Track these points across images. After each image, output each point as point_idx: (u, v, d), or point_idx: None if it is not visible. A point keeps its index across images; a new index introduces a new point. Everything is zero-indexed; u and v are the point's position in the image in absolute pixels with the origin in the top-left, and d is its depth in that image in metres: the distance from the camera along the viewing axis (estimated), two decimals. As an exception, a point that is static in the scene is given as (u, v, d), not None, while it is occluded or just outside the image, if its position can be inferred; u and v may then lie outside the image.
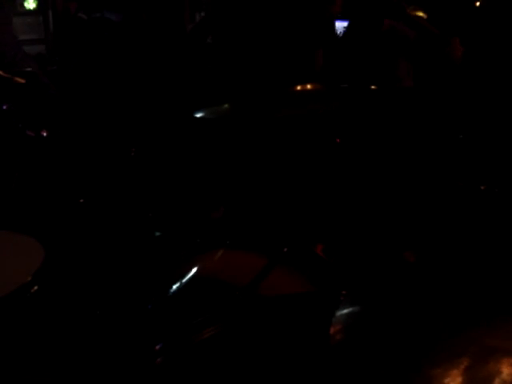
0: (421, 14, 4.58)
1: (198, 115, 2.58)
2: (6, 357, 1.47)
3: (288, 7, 3.73)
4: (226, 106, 2.59)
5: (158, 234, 2.30)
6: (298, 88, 2.63)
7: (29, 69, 2.69)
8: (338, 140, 2.51)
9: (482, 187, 2.27)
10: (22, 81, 2.34)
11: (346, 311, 1.08)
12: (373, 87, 2.81)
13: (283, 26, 3.70)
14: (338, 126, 2.55)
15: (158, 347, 1.40)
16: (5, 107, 2.27)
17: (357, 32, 3.86)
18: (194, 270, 1.76)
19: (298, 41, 3.71)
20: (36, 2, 7.92)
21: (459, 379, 0.88)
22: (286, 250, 1.74)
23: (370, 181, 2.50)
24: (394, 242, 2.16)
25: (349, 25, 4.01)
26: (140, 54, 4.01)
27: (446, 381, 0.88)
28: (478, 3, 4.41)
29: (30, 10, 7.98)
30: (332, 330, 1.02)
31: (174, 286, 1.69)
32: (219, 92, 3.41)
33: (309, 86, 2.64)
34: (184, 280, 1.71)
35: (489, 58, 3.52)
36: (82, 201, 2.26)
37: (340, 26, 4.51)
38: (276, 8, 3.72)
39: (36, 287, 1.58)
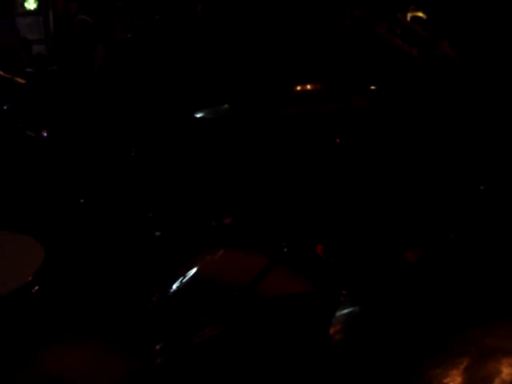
0: (420, 14, 4.57)
1: (198, 115, 2.59)
2: (7, 356, 1.47)
3: (304, 9, 3.75)
4: (226, 106, 2.59)
5: (158, 234, 2.31)
6: (298, 88, 2.63)
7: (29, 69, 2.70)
8: (338, 140, 2.51)
9: (482, 187, 2.27)
10: (23, 81, 2.35)
11: (346, 311, 1.08)
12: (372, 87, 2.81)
13: (296, 27, 3.71)
14: (338, 126, 2.55)
15: (158, 347, 1.40)
16: (5, 107, 2.27)
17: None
18: (194, 270, 1.77)
19: (313, 43, 3.72)
20: (36, 3, 7.92)
21: (459, 379, 0.88)
22: (285, 249, 1.74)
23: (370, 181, 2.50)
24: (394, 242, 2.16)
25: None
26: (143, 54, 4.02)
27: (446, 381, 0.88)
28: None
29: (30, 11, 7.98)
30: (332, 330, 1.02)
31: (174, 286, 1.69)
32: (219, 92, 3.41)
33: (309, 87, 2.64)
34: (184, 280, 1.71)
35: (488, 58, 3.52)
36: (82, 201, 2.27)
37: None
38: (292, 9, 3.73)
39: (37, 287, 1.58)
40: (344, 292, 1.31)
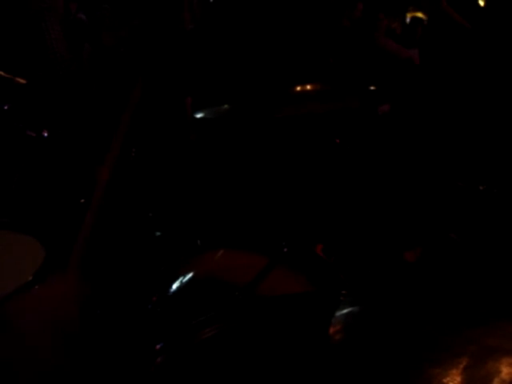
0: (420, 14, 4.57)
1: (198, 115, 2.58)
2: (7, 356, 1.47)
3: (304, 10, 3.75)
4: (226, 106, 2.59)
5: (158, 234, 2.30)
6: (298, 88, 2.63)
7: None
8: (338, 140, 2.51)
9: (482, 187, 2.27)
10: (23, 81, 2.35)
11: (345, 311, 1.08)
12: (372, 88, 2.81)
13: (296, 28, 3.71)
14: (337, 127, 2.56)
15: (158, 347, 1.40)
16: (6, 107, 2.27)
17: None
18: (194, 270, 1.76)
19: (312, 43, 3.72)
20: (36, 3, 7.90)
21: (458, 378, 0.88)
22: (286, 249, 1.74)
23: (370, 181, 2.50)
24: (394, 242, 2.16)
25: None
26: (140, 54, 4.02)
27: (446, 380, 0.88)
28: (481, 2, 4.38)
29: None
30: (332, 330, 1.02)
31: (174, 286, 1.69)
32: (219, 92, 3.41)
33: (309, 87, 2.64)
34: (184, 280, 1.71)
35: (492, 58, 3.51)
36: (82, 201, 2.26)
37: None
38: (291, 10, 3.73)
39: (36, 287, 1.58)
40: (344, 292, 1.31)
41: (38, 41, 2.92)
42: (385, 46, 3.79)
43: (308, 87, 2.57)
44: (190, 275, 1.74)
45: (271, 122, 2.55)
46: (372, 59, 3.70)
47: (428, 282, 1.16)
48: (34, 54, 2.92)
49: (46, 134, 2.29)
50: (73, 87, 3.14)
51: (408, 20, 4.45)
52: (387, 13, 3.85)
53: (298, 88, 2.56)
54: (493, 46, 3.47)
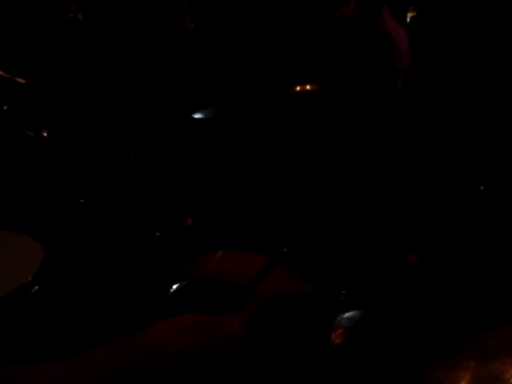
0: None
1: (197, 116, 2.59)
2: (6, 357, 1.47)
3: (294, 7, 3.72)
4: (224, 106, 2.60)
5: (158, 234, 2.30)
6: (298, 88, 2.63)
7: None
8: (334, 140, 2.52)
9: (482, 187, 2.27)
10: (23, 81, 2.35)
11: (347, 315, 1.08)
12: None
13: (288, 26, 3.69)
14: (337, 126, 2.56)
15: None
16: (5, 107, 2.27)
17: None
18: (195, 270, 1.76)
19: (304, 41, 3.69)
20: (36, 2, 7.90)
21: (461, 381, 0.88)
22: (285, 249, 1.73)
23: (371, 181, 2.50)
24: (395, 244, 2.16)
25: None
26: (141, 53, 4.02)
27: (448, 382, 0.88)
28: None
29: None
30: (333, 334, 1.01)
31: (175, 286, 1.69)
32: (217, 92, 3.41)
33: (308, 87, 2.64)
34: (184, 280, 1.71)
35: (488, 58, 3.51)
36: (82, 201, 2.26)
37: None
38: (281, 8, 3.72)
39: (36, 287, 1.58)
40: (344, 292, 1.31)
41: (40, 30, 2.89)
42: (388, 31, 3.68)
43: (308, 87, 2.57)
44: (190, 275, 1.73)
45: (272, 121, 2.55)
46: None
47: (430, 285, 1.16)
48: (37, 44, 2.89)
49: (45, 134, 2.28)
50: (72, 86, 3.14)
51: (408, 20, 4.42)
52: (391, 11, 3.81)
53: (299, 88, 2.56)
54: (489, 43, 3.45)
